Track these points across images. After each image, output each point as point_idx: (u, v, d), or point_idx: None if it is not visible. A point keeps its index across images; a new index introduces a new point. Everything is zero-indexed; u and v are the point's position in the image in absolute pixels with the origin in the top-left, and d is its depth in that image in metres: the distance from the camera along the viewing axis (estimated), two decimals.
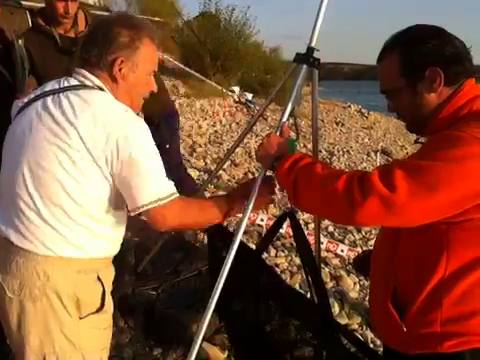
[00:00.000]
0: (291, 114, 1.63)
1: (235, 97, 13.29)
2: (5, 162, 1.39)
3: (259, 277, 1.75)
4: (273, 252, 4.10)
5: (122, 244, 2.75)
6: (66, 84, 1.35)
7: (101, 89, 1.35)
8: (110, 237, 1.45)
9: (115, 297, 2.68)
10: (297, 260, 3.92)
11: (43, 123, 1.29)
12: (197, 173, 5.85)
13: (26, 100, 1.39)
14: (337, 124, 15.07)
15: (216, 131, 9.09)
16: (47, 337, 1.35)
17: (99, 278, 1.43)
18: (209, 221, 1.56)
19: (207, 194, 4.70)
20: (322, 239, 4.39)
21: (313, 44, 1.61)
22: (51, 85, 1.38)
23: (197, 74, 12.60)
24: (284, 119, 1.57)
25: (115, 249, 1.53)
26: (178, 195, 1.38)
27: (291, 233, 4.07)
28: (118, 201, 1.36)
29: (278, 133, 1.56)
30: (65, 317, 1.35)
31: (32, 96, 1.38)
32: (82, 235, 1.35)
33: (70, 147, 1.25)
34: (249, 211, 1.54)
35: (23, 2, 6.63)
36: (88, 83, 1.35)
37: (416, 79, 1.24)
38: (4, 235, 1.35)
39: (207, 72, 13.88)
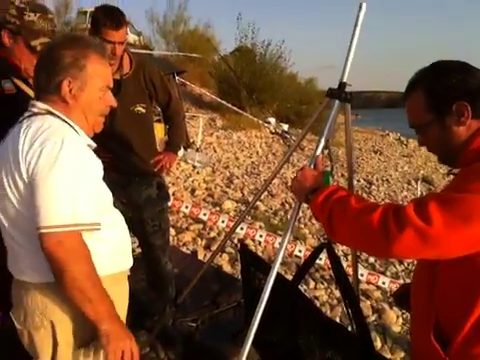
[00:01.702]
0: (325, 146, 1.66)
1: (271, 128, 13.43)
2: None
3: (297, 309, 1.74)
4: (312, 284, 4.05)
5: (162, 276, 2.86)
6: (20, 118, 1.39)
7: (50, 113, 1.36)
8: (98, 252, 1.36)
9: (156, 328, 2.77)
10: (337, 292, 3.85)
11: (1, 160, 1.34)
12: (235, 204, 5.91)
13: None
14: (375, 152, 14.89)
15: (253, 162, 9.18)
16: None
17: None
18: (85, 289, 1.27)
19: (244, 225, 4.73)
20: (363, 271, 4.31)
21: (345, 79, 1.66)
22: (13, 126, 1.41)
23: (234, 107, 12.85)
24: (318, 152, 1.61)
25: (118, 265, 1.49)
26: (81, 228, 1.27)
27: (330, 265, 4.03)
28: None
29: (312, 166, 1.59)
30: (63, 347, 1.36)
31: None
32: None
33: (16, 175, 1.27)
34: (285, 242, 1.57)
35: None
36: (35, 110, 1.37)
37: (444, 114, 1.26)
38: (10, 270, 1.42)
39: (243, 105, 14.15)
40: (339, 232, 1.31)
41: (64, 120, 1.36)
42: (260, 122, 13.08)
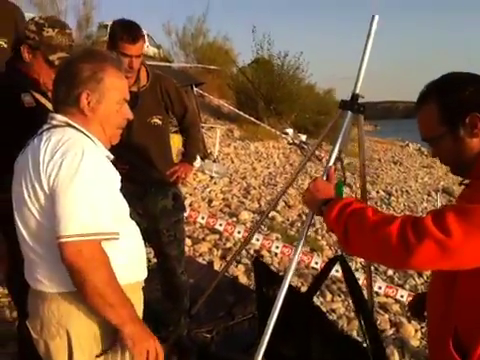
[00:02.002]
0: (338, 158, 1.66)
1: (289, 139, 13.42)
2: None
3: (311, 322, 1.73)
4: (329, 296, 4.00)
5: (177, 286, 2.87)
6: (40, 131, 1.41)
7: (69, 125, 1.38)
8: (113, 263, 1.37)
9: (171, 338, 2.77)
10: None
11: (18, 174, 1.38)
12: (251, 215, 5.90)
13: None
14: (395, 163, 14.73)
15: (270, 173, 9.17)
16: None
17: None
18: (104, 299, 1.29)
19: (260, 236, 4.72)
20: (381, 284, 4.25)
21: (357, 91, 1.66)
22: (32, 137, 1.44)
23: (251, 118, 12.90)
24: (330, 163, 1.61)
25: (134, 275, 1.50)
26: (100, 237, 1.29)
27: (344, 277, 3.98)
28: None
29: (324, 177, 1.59)
30: (78, 356, 1.38)
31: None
32: None
33: (35, 187, 1.30)
34: (298, 254, 1.56)
35: None
36: (55, 122, 1.39)
37: (457, 126, 1.26)
38: (28, 281, 1.44)
39: (261, 116, 14.20)
40: (355, 245, 1.30)
41: (83, 132, 1.39)
42: (278, 133, 13.09)
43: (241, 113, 13.10)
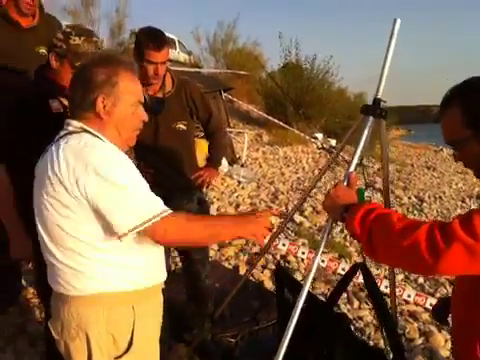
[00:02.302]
0: (360, 163, 1.64)
1: (318, 143, 13.31)
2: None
3: (331, 330, 1.71)
4: (356, 304, 3.94)
5: (202, 290, 2.89)
6: (56, 137, 1.44)
7: (84, 130, 1.41)
8: (138, 266, 1.46)
9: (195, 342, 2.79)
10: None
11: (38, 180, 1.41)
12: (278, 220, 5.88)
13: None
14: (428, 169, 14.37)
15: (299, 178, 9.11)
16: None
17: (134, 311, 1.44)
18: (214, 238, 1.57)
19: (287, 241, 4.70)
20: (410, 292, 4.15)
21: (379, 95, 1.64)
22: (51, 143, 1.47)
23: (280, 122, 12.87)
24: (351, 169, 1.59)
25: (154, 277, 1.54)
26: (169, 211, 1.39)
27: (365, 285, 3.91)
28: None
29: (345, 183, 1.57)
30: (97, 358, 1.41)
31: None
32: (101, 269, 1.40)
33: (56, 193, 1.33)
34: (317, 260, 1.55)
35: None
36: (71, 128, 1.42)
37: None
38: (51, 285, 1.48)
39: (290, 120, 14.14)
40: (381, 251, 1.29)
41: (98, 137, 1.42)
42: (307, 137, 13.00)
43: (270, 118, 13.09)
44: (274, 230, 2.17)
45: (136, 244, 1.42)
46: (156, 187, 2.51)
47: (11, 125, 1.87)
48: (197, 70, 13.95)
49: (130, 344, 1.44)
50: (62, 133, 1.43)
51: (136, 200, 1.34)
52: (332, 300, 1.79)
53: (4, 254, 1.98)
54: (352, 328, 3.43)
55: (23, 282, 3.10)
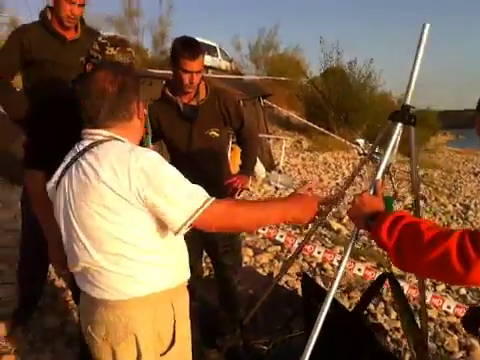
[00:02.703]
0: (387, 171, 1.61)
1: (359, 149, 13.06)
2: (63, 233, 1.52)
3: (358, 340, 1.68)
4: (394, 314, 3.82)
5: (233, 296, 2.90)
6: (81, 148, 1.46)
7: (113, 138, 1.45)
8: (174, 264, 1.52)
9: (225, 347, 2.80)
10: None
11: (76, 191, 1.42)
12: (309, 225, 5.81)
13: (59, 172, 1.51)
14: (475, 175, 13.77)
15: (338, 184, 8.98)
16: None
17: (173, 309, 1.50)
18: (259, 221, 1.57)
19: (322, 249, 4.63)
20: (451, 303, 3.99)
21: (408, 102, 1.60)
22: (71, 153, 1.50)
23: (321, 128, 12.74)
24: (377, 177, 1.56)
25: (184, 275, 1.59)
26: (212, 199, 1.41)
27: (413, 295, 3.78)
28: (164, 228, 1.43)
29: (371, 191, 1.54)
30: (147, 356, 1.45)
31: (61, 168, 1.51)
32: (148, 271, 1.44)
33: (103, 199, 1.36)
34: (342, 269, 1.53)
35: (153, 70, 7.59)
36: (98, 138, 1.45)
37: None
38: (86, 292, 1.51)
39: (331, 126, 13.99)
40: (410, 260, 1.26)
41: (125, 142, 1.47)
42: (348, 143, 12.80)
43: (310, 124, 12.99)
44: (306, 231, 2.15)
45: (173, 242, 1.48)
46: None
47: (51, 132, 1.95)
48: (239, 77, 14.05)
49: (173, 340, 1.50)
50: (87, 143, 1.46)
51: (183, 195, 1.38)
52: (360, 309, 1.75)
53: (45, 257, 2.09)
54: (388, 339, 3.35)
55: (63, 284, 3.23)
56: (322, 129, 12.81)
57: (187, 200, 1.37)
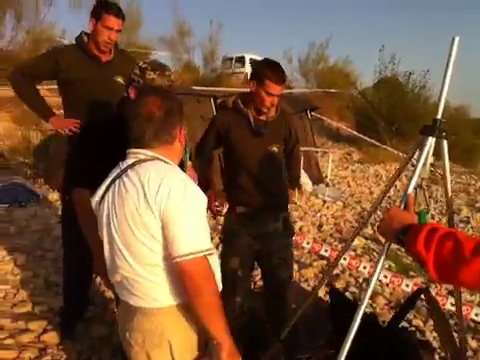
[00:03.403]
0: (419, 186, 1.60)
1: (413, 161, 12.63)
2: (105, 245, 1.62)
3: (393, 355, 1.66)
4: None
5: (282, 309, 2.90)
6: (125, 165, 1.56)
7: (155, 158, 1.54)
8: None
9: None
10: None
11: (118, 205, 1.51)
12: (363, 241, 5.71)
13: (104, 188, 1.61)
14: None
15: (389, 197, 8.73)
16: None
17: None
18: (209, 311, 1.45)
19: (368, 264, 4.54)
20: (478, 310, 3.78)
21: (439, 115, 1.60)
22: (115, 170, 1.59)
23: (372, 140, 12.50)
24: (409, 191, 1.56)
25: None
26: (211, 253, 1.44)
27: (455, 309, 3.63)
28: None
29: (402, 206, 1.54)
30: None
31: (105, 184, 1.62)
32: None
33: (144, 217, 1.45)
34: (374, 282, 1.53)
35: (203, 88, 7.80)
36: (142, 157, 1.54)
37: None
38: (124, 300, 1.61)
39: (382, 137, 13.67)
40: (451, 271, 1.24)
41: (169, 163, 1.57)
42: (400, 154, 12.43)
43: (360, 135, 12.77)
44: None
45: (212, 257, 1.52)
46: (246, 206, 2.71)
47: (97, 152, 2.10)
48: (289, 91, 14.11)
49: (205, 349, 1.57)
50: (131, 161, 1.56)
51: (194, 230, 1.44)
52: (394, 324, 1.73)
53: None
54: (436, 357, 3.23)
55: (111, 295, 3.38)
56: (372, 141, 12.55)
57: (195, 237, 1.44)
